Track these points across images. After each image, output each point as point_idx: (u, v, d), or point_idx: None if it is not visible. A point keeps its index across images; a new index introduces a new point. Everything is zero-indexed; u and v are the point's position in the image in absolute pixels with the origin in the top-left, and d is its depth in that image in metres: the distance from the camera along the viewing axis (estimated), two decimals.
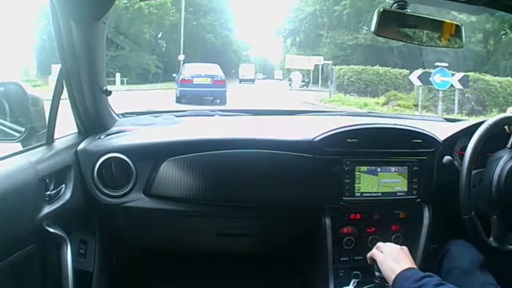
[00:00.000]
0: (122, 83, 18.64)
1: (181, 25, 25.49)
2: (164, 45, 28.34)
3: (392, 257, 1.24)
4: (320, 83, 23.15)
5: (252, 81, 30.64)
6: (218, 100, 11.89)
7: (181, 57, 23.09)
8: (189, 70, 13.41)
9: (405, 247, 1.29)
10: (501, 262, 1.54)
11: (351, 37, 25.33)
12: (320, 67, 23.80)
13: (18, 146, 1.38)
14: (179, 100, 12.28)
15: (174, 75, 17.91)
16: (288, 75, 30.60)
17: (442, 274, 1.50)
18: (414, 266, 1.20)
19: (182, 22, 25.55)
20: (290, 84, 24.98)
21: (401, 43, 1.26)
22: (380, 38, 1.28)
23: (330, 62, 21.38)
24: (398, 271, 1.18)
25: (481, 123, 1.57)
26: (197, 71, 13.11)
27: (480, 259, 1.42)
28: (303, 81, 24.54)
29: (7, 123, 1.48)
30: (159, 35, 27.39)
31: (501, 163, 1.46)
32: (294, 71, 25.62)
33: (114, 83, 17.32)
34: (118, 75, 18.36)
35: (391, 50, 22.14)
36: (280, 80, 36.58)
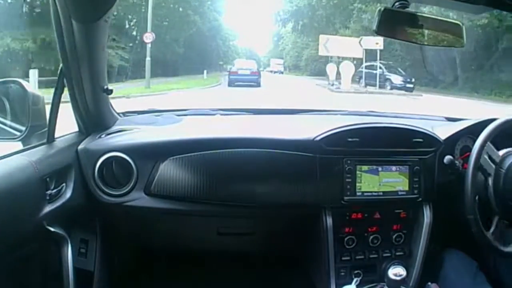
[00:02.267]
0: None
1: None
2: (135, 30, 20.56)
3: None
4: (378, 83, 17.30)
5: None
6: (255, 83, 17.46)
7: (148, 37, 16.14)
8: (236, 65, 19.68)
9: None
10: (500, 265, 1.54)
11: None
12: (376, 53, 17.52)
13: (19, 145, 1.38)
14: (230, 84, 17.64)
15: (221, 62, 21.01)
16: (314, 67, 25.46)
17: (438, 278, 1.51)
18: None
19: None
20: (331, 84, 17.62)
21: None
22: None
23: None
24: None
25: (482, 122, 1.57)
26: (241, 65, 19.23)
27: (473, 269, 1.43)
28: (360, 78, 17.85)
29: (8, 122, 1.48)
30: (129, 17, 20.12)
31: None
32: (332, 61, 19.08)
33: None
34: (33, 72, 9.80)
35: None
36: (281, 73, 31.77)
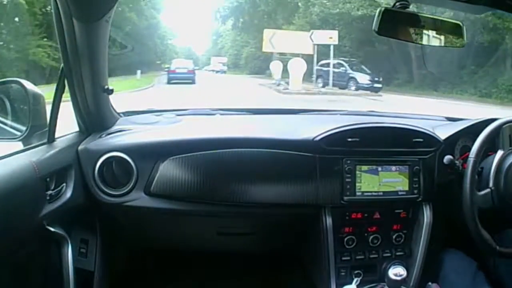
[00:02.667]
0: None
1: None
2: None
3: None
4: (331, 82, 15.73)
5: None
6: (191, 81, 17.23)
7: None
8: (174, 64, 19.15)
9: None
10: (500, 265, 1.55)
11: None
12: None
13: (19, 145, 1.38)
14: (169, 81, 17.38)
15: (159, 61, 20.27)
16: (254, 65, 23.77)
17: (439, 283, 1.52)
18: None
19: None
20: (277, 83, 15.20)
21: None
22: None
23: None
24: None
25: (482, 122, 1.58)
26: (179, 65, 18.83)
27: (473, 268, 1.43)
28: (322, 77, 16.10)
29: (8, 122, 1.48)
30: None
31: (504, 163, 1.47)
32: (276, 59, 16.59)
33: None
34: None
35: None
36: (223, 72, 27.98)
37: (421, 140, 1.62)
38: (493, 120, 1.54)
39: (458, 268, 1.54)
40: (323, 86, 15.63)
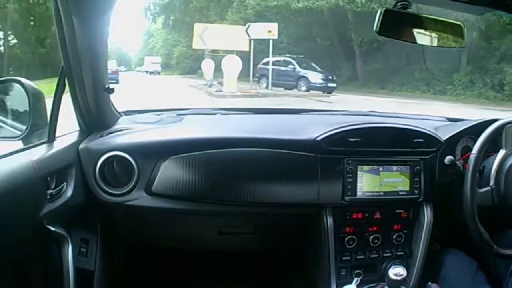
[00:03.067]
0: None
1: None
2: None
3: None
4: (274, 82, 13.88)
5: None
6: (114, 81, 14.93)
7: None
8: None
9: None
10: (500, 265, 1.54)
11: None
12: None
13: (19, 144, 1.38)
14: None
15: None
16: (186, 65, 22.16)
17: (439, 278, 1.52)
18: None
19: None
20: (209, 84, 13.77)
21: None
22: None
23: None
24: None
25: (483, 123, 1.58)
26: None
27: (473, 268, 1.43)
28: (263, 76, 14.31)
29: (8, 121, 1.48)
30: None
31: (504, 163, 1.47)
32: (208, 57, 14.76)
33: None
34: None
35: None
36: (158, 73, 25.54)
37: (422, 140, 1.62)
38: (495, 120, 1.55)
39: (458, 268, 1.54)
40: (267, 87, 13.80)
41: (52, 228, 1.29)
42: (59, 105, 1.40)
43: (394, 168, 1.60)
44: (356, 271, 1.62)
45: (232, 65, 12.41)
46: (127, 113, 1.85)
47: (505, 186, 1.45)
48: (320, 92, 13.45)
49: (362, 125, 1.61)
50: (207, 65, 14.20)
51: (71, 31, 1.28)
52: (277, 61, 14.66)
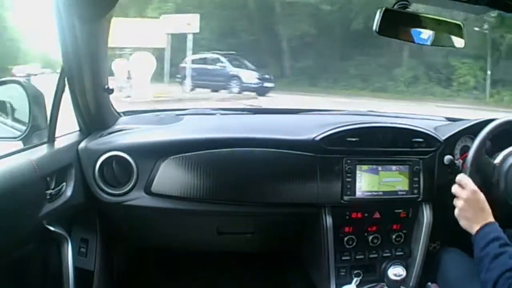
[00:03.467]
0: None
1: None
2: None
3: (465, 215, 1.34)
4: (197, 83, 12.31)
5: None
6: None
7: None
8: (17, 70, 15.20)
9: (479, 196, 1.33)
10: None
11: None
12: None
13: (19, 144, 1.38)
14: None
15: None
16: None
17: (438, 278, 1.51)
18: (485, 220, 1.29)
19: None
20: (119, 89, 9.56)
21: None
22: None
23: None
24: (473, 232, 1.30)
25: (482, 122, 1.58)
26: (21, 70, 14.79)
27: (472, 268, 1.43)
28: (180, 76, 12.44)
29: (9, 121, 1.48)
30: None
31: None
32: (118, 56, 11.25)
33: None
34: None
35: None
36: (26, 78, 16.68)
37: (421, 140, 1.62)
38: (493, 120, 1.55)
39: (458, 267, 1.53)
40: (193, 89, 12.21)
41: (52, 228, 1.29)
42: (59, 106, 1.40)
43: (393, 167, 1.60)
44: (356, 271, 1.62)
45: (143, 65, 10.20)
46: (126, 113, 1.86)
47: (505, 186, 1.46)
48: (254, 94, 11.60)
49: (361, 125, 1.62)
50: (119, 66, 10.76)
51: (71, 31, 1.28)
52: (204, 58, 12.89)
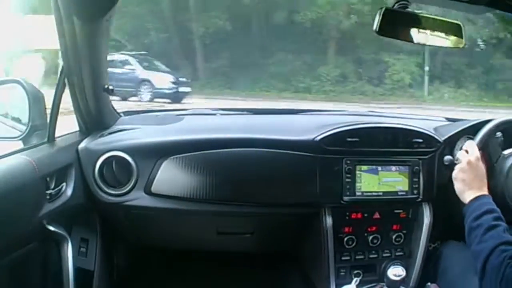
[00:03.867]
0: None
1: None
2: None
3: (462, 177, 1.36)
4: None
5: None
6: None
7: None
8: None
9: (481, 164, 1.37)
10: None
11: None
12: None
13: (19, 144, 1.38)
14: None
15: None
16: None
17: (438, 275, 1.51)
18: (480, 190, 1.32)
19: None
20: None
21: None
22: None
23: None
24: (466, 201, 1.32)
25: (482, 123, 1.58)
26: None
27: (473, 263, 1.43)
28: None
29: (8, 121, 1.48)
30: None
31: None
32: None
33: None
34: None
35: None
36: None
37: (421, 140, 1.62)
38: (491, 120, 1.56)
39: (459, 260, 1.53)
40: None
41: (52, 228, 1.29)
42: (58, 106, 1.40)
43: (393, 168, 1.60)
44: (356, 271, 1.62)
45: (29, 70, 7.68)
46: (126, 113, 1.85)
47: (505, 186, 1.46)
48: (169, 100, 10.50)
49: (361, 125, 1.62)
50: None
51: (71, 32, 1.28)
52: (111, 61, 9.85)
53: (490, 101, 11.65)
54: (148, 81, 11.17)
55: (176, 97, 10.59)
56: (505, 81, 12.34)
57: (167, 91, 10.86)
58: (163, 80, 11.14)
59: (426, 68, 12.57)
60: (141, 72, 11.29)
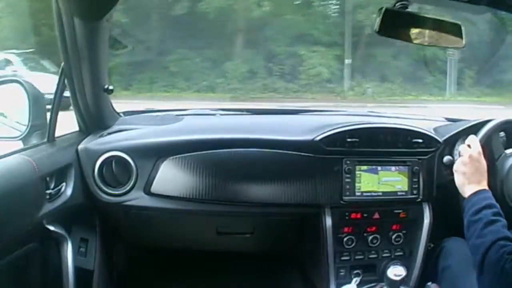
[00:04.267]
0: None
1: None
2: None
3: (463, 170, 1.37)
4: None
5: None
6: None
7: None
8: None
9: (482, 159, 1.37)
10: None
11: None
12: None
13: (19, 144, 1.38)
14: None
15: None
16: None
17: (439, 272, 1.51)
18: (481, 185, 1.33)
19: None
20: None
21: None
22: None
23: None
24: (466, 195, 1.32)
25: (482, 123, 1.58)
26: None
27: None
28: None
29: (8, 121, 1.48)
30: None
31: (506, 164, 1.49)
32: None
33: None
34: None
35: None
36: None
37: (420, 140, 1.62)
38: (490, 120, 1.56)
39: (459, 259, 1.53)
40: None
41: (52, 228, 1.29)
42: (58, 106, 1.40)
43: (393, 168, 1.60)
44: (355, 271, 1.62)
45: None
46: (126, 113, 1.85)
47: (505, 184, 1.46)
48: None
49: (361, 126, 1.62)
50: None
51: (71, 32, 1.28)
52: None
53: (419, 95, 10.62)
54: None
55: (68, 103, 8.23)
56: (436, 73, 10.78)
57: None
58: (51, 82, 8.60)
59: (347, 61, 11.25)
60: (24, 73, 8.58)
